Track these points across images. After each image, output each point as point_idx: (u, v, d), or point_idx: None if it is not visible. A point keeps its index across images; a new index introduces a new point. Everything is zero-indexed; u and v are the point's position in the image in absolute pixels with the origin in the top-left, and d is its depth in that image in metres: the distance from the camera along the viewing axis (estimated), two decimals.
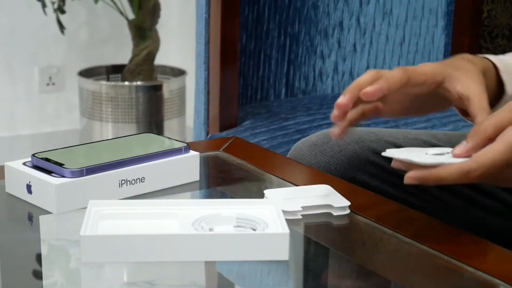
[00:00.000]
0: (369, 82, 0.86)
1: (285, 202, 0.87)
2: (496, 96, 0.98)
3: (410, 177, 0.80)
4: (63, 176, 0.87)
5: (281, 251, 0.76)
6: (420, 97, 0.91)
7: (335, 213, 0.87)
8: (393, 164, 0.83)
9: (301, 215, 0.86)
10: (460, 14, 1.86)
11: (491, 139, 0.79)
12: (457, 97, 0.90)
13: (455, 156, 0.80)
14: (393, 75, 0.87)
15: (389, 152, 0.83)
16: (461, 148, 0.80)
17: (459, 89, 0.89)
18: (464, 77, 0.90)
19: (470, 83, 0.90)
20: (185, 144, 0.97)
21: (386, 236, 0.84)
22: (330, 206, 0.87)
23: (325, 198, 0.89)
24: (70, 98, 3.11)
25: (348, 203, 0.88)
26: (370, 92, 0.85)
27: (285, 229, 0.77)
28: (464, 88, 0.89)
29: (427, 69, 0.90)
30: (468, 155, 0.80)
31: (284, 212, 0.83)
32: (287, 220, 0.79)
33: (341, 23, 2.01)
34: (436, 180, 0.79)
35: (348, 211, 0.88)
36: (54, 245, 0.84)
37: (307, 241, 0.86)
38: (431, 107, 0.94)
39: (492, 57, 0.99)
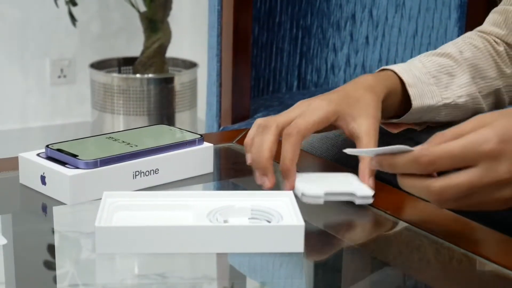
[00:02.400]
0: (297, 152, 0.89)
1: (308, 186, 0.86)
2: (405, 110, 1.00)
3: (374, 161, 0.81)
4: (77, 167, 0.87)
5: (296, 243, 0.76)
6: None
7: (357, 202, 0.86)
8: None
9: (324, 201, 0.86)
10: (473, 6, 1.85)
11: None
12: (349, 134, 0.92)
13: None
14: (294, 145, 0.89)
15: (348, 150, 0.85)
16: (420, 146, 0.78)
17: (351, 128, 0.92)
18: (357, 113, 0.92)
19: (362, 121, 0.92)
20: (199, 136, 0.96)
21: (402, 229, 0.84)
22: (353, 194, 0.87)
23: (349, 185, 0.88)
24: (82, 90, 3.12)
25: (372, 192, 0.87)
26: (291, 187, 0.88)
27: (300, 221, 0.77)
28: (356, 126, 0.91)
29: (317, 117, 0.91)
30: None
31: (306, 196, 0.83)
32: (308, 205, 0.79)
33: (353, 16, 2.01)
34: (389, 165, 0.79)
35: (371, 201, 0.87)
36: (68, 236, 0.84)
37: (323, 233, 0.86)
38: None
39: (399, 70, 1.00)
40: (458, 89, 1.03)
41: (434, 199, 0.77)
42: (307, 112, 0.91)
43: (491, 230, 0.82)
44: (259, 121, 0.92)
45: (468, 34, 1.10)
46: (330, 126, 0.93)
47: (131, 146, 0.92)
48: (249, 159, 0.91)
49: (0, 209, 0.88)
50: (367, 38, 2.00)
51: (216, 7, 1.81)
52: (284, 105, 1.88)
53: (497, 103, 1.08)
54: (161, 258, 0.75)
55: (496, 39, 1.08)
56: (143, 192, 0.85)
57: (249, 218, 0.80)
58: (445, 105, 1.02)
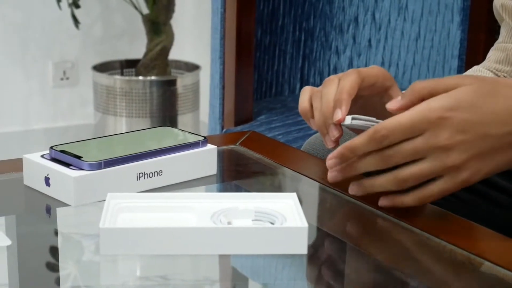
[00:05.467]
0: (355, 88, 0.87)
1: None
2: None
3: (330, 158, 0.83)
4: (81, 169, 0.87)
5: (300, 245, 0.76)
6: (362, 100, 0.92)
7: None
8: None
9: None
10: (476, 10, 1.85)
11: (424, 100, 0.81)
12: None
13: (388, 109, 0.83)
14: (352, 81, 0.88)
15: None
16: (393, 103, 0.82)
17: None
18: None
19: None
20: (203, 138, 0.96)
21: (404, 232, 0.84)
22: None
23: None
24: (84, 92, 3.12)
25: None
26: (342, 118, 0.86)
27: (304, 223, 0.77)
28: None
29: (378, 72, 0.91)
30: (399, 109, 0.81)
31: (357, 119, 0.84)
32: (311, 207, 0.79)
33: (356, 19, 2.01)
34: (350, 150, 0.81)
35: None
36: (71, 237, 0.84)
37: (326, 235, 0.86)
38: (369, 111, 0.94)
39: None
40: None
41: (385, 163, 0.80)
42: (367, 67, 0.91)
43: (491, 231, 0.82)
44: (307, 87, 0.91)
45: (476, 68, 1.11)
46: (379, 94, 0.91)
47: (135, 148, 0.92)
48: (313, 124, 0.91)
49: (4, 210, 0.88)
50: (369, 41, 2.00)
51: (219, 10, 1.81)
52: (287, 108, 1.88)
53: None
54: (163, 260, 0.75)
55: (504, 74, 1.09)
56: (147, 193, 0.85)
57: (252, 220, 0.80)
58: None
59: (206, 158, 0.96)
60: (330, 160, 0.84)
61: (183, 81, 2.81)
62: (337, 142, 0.89)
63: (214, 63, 1.86)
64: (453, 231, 0.82)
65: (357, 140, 0.80)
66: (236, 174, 1.03)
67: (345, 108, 0.86)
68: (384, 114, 0.86)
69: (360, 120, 0.85)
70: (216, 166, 0.97)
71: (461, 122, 0.78)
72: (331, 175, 0.86)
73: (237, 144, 1.08)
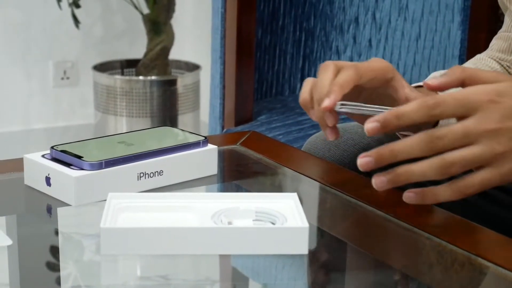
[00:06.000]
0: (349, 83, 0.86)
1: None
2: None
3: (370, 122, 0.77)
4: (82, 169, 0.87)
5: (300, 245, 0.76)
6: (366, 92, 0.91)
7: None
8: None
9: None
10: (476, 9, 1.85)
11: (464, 84, 0.80)
12: (404, 98, 0.88)
13: (426, 84, 0.81)
14: (348, 76, 0.86)
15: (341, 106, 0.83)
16: (432, 79, 0.81)
17: (408, 91, 0.89)
18: (414, 89, 0.91)
19: (417, 94, 0.90)
20: (203, 138, 0.97)
21: (405, 232, 0.84)
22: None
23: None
24: (85, 92, 3.12)
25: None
26: (329, 106, 0.84)
27: (305, 223, 0.77)
28: (410, 92, 0.89)
29: (377, 66, 0.89)
30: (439, 87, 0.80)
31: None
32: (311, 207, 0.79)
33: (356, 19, 2.01)
34: (397, 116, 0.77)
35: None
36: (72, 237, 0.84)
37: (327, 235, 0.86)
38: (375, 103, 0.91)
39: None
40: None
41: (431, 147, 0.77)
42: (367, 61, 0.89)
43: (492, 232, 0.82)
44: (309, 79, 0.90)
45: (480, 56, 1.11)
46: (382, 86, 0.89)
47: (136, 148, 0.92)
48: (312, 115, 0.88)
49: (5, 210, 0.89)
50: (370, 41, 2.00)
51: (219, 10, 1.82)
52: (287, 108, 1.88)
53: None
54: (164, 260, 0.75)
55: (507, 63, 1.09)
56: (147, 193, 0.85)
57: (253, 220, 0.80)
58: None
59: (207, 158, 0.96)
60: (371, 123, 0.78)
61: (183, 81, 2.82)
62: (336, 134, 0.87)
63: (215, 63, 1.86)
64: (453, 231, 0.82)
65: (406, 106, 0.77)
66: (237, 174, 1.03)
67: (333, 97, 0.83)
68: (391, 105, 0.86)
69: (349, 107, 0.84)
70: (217, 166, 0.97)
71: (509, 108, 0.78)
72: (364, 161, 0.77)
73: (238, 144, 1.08)
